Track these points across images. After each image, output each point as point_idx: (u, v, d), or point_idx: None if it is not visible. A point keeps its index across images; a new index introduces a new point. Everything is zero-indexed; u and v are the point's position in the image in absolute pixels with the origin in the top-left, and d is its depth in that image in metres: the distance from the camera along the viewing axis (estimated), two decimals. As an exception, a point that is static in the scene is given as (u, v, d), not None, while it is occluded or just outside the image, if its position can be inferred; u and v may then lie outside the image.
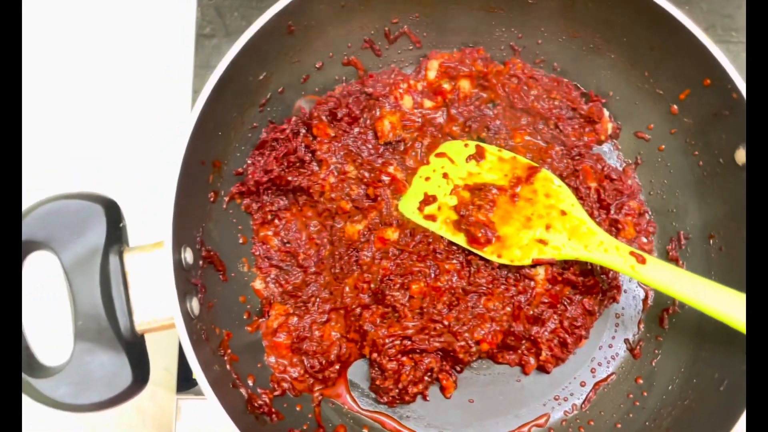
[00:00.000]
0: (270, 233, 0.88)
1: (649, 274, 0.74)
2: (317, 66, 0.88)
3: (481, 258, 0.83)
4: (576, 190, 0.86)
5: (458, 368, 0.85)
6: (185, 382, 0.91)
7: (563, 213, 0.81)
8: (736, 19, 1.08)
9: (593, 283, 0.84)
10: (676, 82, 0.81)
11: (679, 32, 0.75)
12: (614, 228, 0.87)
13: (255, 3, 1.07)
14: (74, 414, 1.01)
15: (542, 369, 0.86)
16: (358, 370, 0.87)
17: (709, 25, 1.08)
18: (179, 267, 0.69)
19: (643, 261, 0.75)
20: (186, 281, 0.71)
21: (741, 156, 0.75)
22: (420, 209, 0.86)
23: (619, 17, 0.81)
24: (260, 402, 0.78)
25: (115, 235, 0.70)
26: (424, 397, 0.85)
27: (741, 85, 0.72)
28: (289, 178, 0.86)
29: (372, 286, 0.83)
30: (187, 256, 0.72)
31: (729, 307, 0.68)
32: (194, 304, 0.72)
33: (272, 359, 0.84)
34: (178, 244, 0.70)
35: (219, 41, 1.05)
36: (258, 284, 0.87)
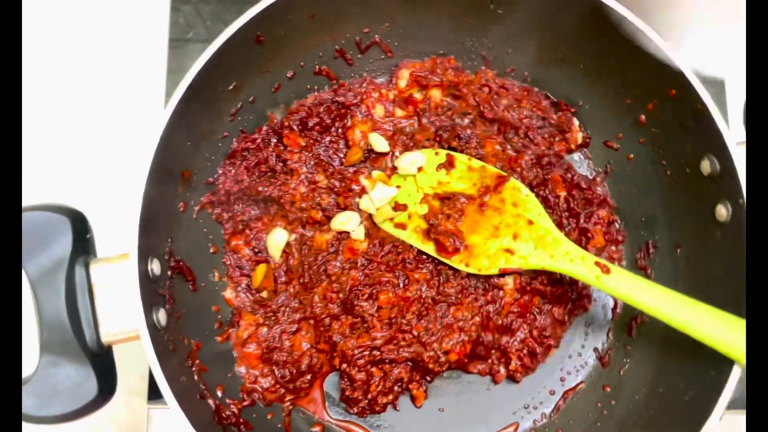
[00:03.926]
0: (241, 242, 0.88)
1: (613, 284, 0.74)
2: (288, 75, 0.88)
3: (450, 267, 0.83)
4: (545, 200, 0.86)
5: (428, 378, 0.85)
6: (156, 390, 0.91)
7: (530, 222, 0.82)
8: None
9: (561, 293, 0.85)
10: (643, 92, 0.81)
11: (644, 43, 0.75)
12: (584, 237, 0.88)
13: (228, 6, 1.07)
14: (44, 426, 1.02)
15: (512, 378, 0.86)
16: (328, 380, 0.87)
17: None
18: (145, 278, 0.70)
19: (607, 271, 0.75)
20: (153, 292, 0.71)
21: (706, 166, 0.75)
22: (391, 218, 0.86)
23: (587, 29, 0.81)
24: (228, 413, 0.78)
25: (82, 246, 0.70)
26: (395, 407, 0.85)
27: (705, 96, 0.73)
28: (260, 188, 0.86)
29: (341, 296, 0.83)
30: (154, 267, 0.73)
31: (690, 318, 0.68)
32: (161, 316, 0.72)
33: (242, 369, 0.84)
34: (144, 256, 0.70)
35: (192, 48, 1.05)
36: (228, 293, 0.87)
